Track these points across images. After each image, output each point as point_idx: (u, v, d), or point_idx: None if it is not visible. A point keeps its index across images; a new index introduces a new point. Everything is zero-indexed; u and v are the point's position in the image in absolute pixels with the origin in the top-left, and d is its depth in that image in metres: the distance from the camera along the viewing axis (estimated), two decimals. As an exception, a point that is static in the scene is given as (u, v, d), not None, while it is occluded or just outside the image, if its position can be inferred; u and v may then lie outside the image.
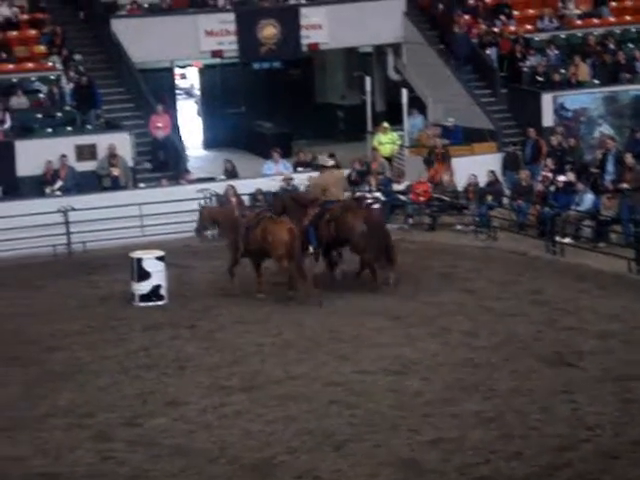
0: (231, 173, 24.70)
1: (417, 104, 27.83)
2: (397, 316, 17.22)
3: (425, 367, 14.87)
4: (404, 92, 26.53)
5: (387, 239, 18.72)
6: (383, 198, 23.39)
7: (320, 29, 28.50)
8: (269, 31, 28.10)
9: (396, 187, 24.16)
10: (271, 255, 18.19)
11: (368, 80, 27.18)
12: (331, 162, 20.59)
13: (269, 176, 24.09)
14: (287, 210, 18.84)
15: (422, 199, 23.69)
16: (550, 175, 23.07)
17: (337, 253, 19.30)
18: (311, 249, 18.66)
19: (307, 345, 15.95)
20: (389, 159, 25.72)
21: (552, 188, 22.46)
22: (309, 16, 28.42)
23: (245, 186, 23.65)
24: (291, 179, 23.71)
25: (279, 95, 31.24)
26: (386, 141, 26.04)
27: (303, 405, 13.60)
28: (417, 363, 15.02)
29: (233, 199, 23.00)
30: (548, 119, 26.52)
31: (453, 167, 24.55)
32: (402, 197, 23.93)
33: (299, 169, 24.80)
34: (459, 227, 23.19)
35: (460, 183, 23.90)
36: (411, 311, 17.45)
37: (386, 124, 26.53)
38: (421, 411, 13.32)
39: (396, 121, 27.18)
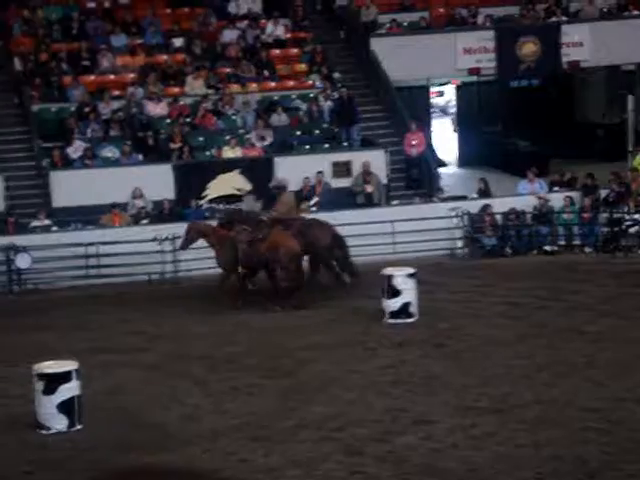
0: (484, 192, 24.47)
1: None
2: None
3: (687, 398, 14.19)
4: (668, 111, 25.58)
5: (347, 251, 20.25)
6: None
7: (581, 47, 27.95)
8: (529, 49, 27.76)
9: (656, 209, 23.28)
10: (280, 265, 18.85)
11: (631, 99, 26.35)
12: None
13: (524, 195, 23.73)
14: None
15: (684, 222, 22.70)
16: None
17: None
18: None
19: (560, 369, 15.51)
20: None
21: None
22: (570, 34, 27.93)
23: (499, 205, 23.40)
24: (547, 200, 23.24)
25: (536, 113, 30.72)
26: (647, 161, 25.15)
27: (554, 430, 13.20)
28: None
29: (487, 218, 22.89)
30: None
31: None
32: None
33: (555, 189, 24.26)
34: None
35: None
36: (673, 339, 16.72)
37: (648, 144, 25.68)
38: (681, 444, 12.71)
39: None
